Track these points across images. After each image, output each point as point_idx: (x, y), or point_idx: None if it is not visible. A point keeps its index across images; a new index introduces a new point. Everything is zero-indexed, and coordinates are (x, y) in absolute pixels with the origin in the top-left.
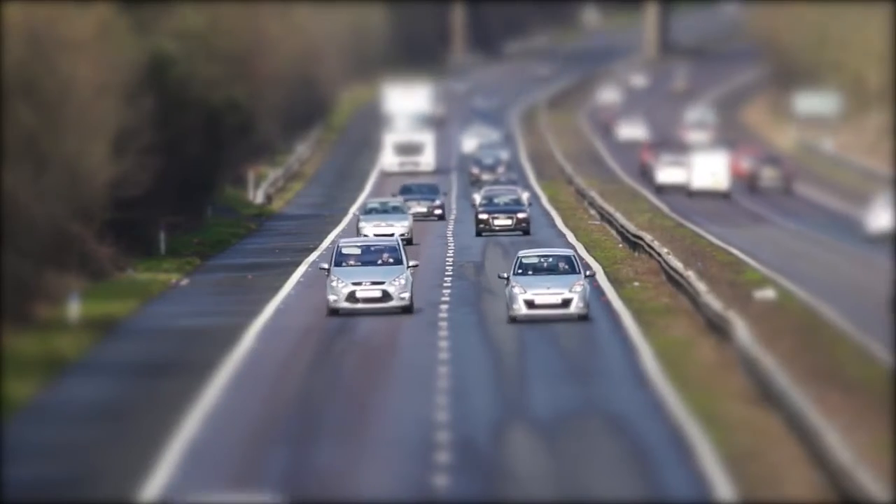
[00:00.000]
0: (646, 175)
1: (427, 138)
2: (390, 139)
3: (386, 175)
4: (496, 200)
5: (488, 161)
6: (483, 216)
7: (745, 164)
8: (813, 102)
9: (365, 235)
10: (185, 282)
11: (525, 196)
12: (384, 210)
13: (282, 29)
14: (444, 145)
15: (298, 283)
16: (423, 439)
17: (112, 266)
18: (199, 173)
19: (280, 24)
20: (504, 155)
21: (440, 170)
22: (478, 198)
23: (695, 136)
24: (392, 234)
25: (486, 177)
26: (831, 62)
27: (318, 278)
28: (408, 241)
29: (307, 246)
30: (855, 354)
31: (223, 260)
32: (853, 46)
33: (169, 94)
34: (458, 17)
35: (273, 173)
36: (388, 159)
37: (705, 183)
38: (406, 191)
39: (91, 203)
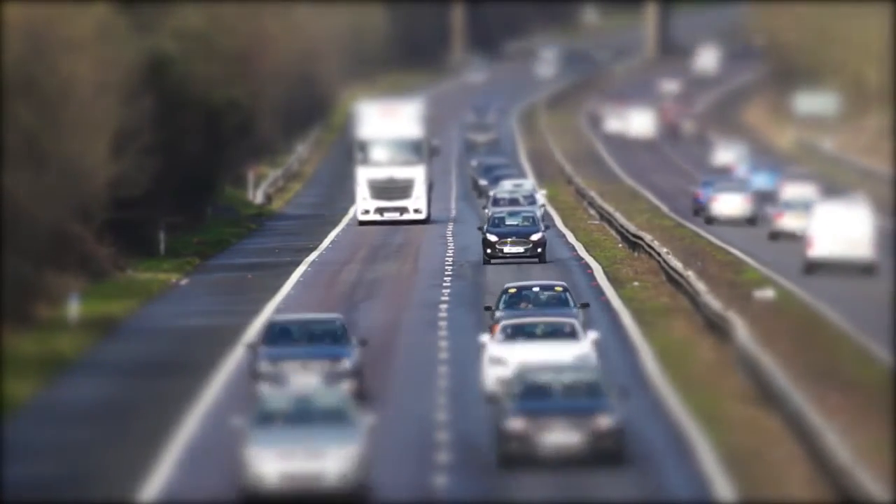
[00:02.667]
0: (699, 212)
1: (416, 174)
2: (364, 175)
3: (361, 225)
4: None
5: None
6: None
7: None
8: (813, 102)
9: None
10: (184, 282)
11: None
12: None
13: (282, 28)
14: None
15: (298, 282)
16: (423, 439)
17: (112, 266)
18: (199, 173)
19: (280, 24)
20: (528, 187)
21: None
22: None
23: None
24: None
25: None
26: (831, 62)
27: (318, 278)
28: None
29: (307, 246)
30: (855, 354)
31: (223, 260)
32: (853, 46)
33: (169, 94)
34: (458, 17)
35: (273, 173)
36: (363, 204)
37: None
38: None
39: (91, 203)
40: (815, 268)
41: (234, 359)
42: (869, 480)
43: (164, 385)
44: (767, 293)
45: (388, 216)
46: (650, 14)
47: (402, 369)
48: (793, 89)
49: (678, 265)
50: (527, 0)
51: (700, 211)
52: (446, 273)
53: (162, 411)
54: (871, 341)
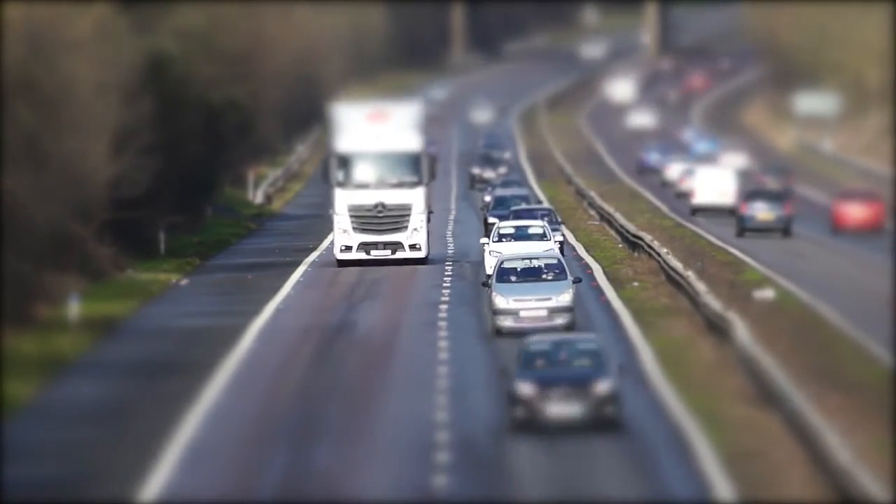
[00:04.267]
0: (642, 171)
1: (413, 199)
2: (345, 201)
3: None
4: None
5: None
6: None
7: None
8: (812, 102)
9: None
10: (185, 282)
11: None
12: None
13: (282, 29)
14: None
15: (298, 283)
16: (423, 439)
17: (112, 266)
18: (199, 173)
19: (280, 24)
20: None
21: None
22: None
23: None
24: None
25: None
26: (831, 62)
27: (318, 278)
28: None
29: (307, 246)
30: (855, 354)
31: (223, 260)
32: (853, 46)
33: (169, 94)
34: (458, 17)
35: (273, 173)
36: (343, 238)
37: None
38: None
39: (91, 203)
40: (697, 212)
41: (235, 359)
42: (869, 481)
43: (164, 385)
44: (767, 293)
45: (375, 255)
46: (650, 14)
47: (402, 369)
48: (793, 89)
49: (678, 265)
50: (527, 0)
51: (643, 170)
52: (446, 273)
53: (162, 411)
54: (871, 341)
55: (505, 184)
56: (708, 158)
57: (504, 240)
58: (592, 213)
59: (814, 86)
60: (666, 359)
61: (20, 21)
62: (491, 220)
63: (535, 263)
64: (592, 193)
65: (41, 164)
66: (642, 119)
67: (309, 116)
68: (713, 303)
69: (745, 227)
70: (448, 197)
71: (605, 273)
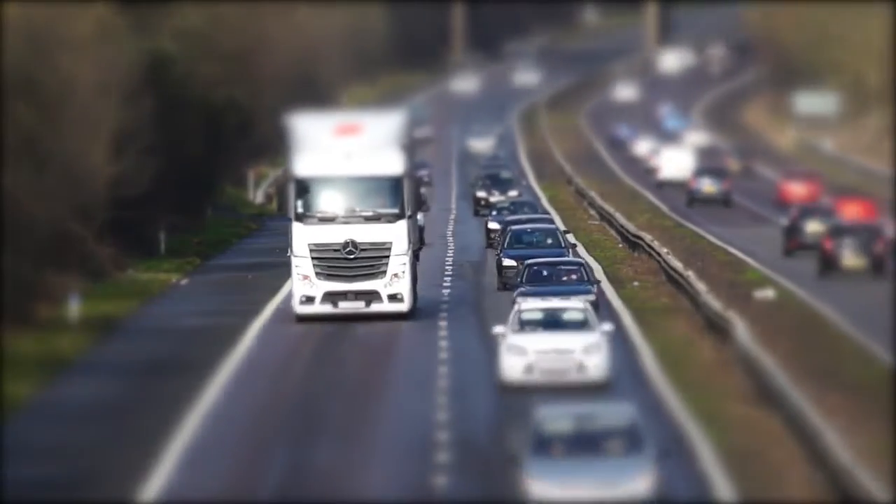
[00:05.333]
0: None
1: (393, 236)
2: (305, 238)
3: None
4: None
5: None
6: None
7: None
8: (812, 102)
9: None
10: (185, 282)
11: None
12: None
13: (282, 29)
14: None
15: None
16: (423, 439)
17: (112, 266)
18: (199, 173)
19: (280, 24)
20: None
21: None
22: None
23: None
24: None
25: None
26: (831, 62)
27: None
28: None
29: None
30: (855, 354)
31: (223, 260)
32: (853, 46)
33: (169, 94)
34: (458, 17)
35: (273, 173)
36: (304, 287)
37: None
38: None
39: (91, 203)
40: (662, 185)
41: (235, 359)
42: (869, 481)
43: (164, 385)
44: (767, 293)
45: (345, 308)
46: (650, 14)
47: (402, 369)
48: (793, 89)
49: (678, 265)
50: (527, 0)
51: (614, 144)
52: (446, 273)
53: (162, 411)
54: (872, 341)
55: (514, 205)
56: (674, 135)
57: (528, 328)
58: (592, 212)
59: (814, 86)
60: (666, 358)
61: (20, 21)
62: (506, 262)
63: (592, 423)
64: (593, 193)
65: (41, 164)
66: (627, 92)
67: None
68: (713, 302)
69: (693, 198)
70: (448, 197)
71: (606, 273)
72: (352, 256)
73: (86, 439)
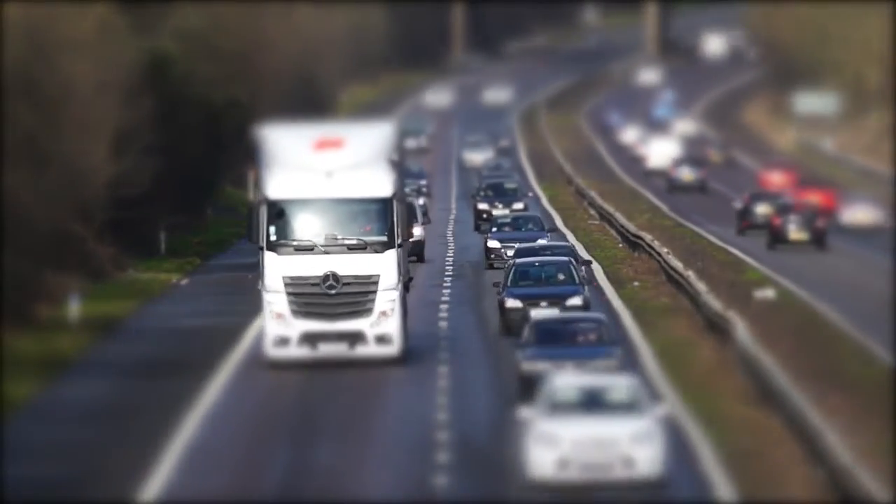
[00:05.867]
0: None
1: (381, 267)
2: (278, 270)
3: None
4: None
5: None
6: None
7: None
8: (812, 102)
9: None
10: (185, 282)
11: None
12: None
13: (282, 29)
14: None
15: None
16: (424, 439)
17: (112, 266)
18: (199, 173)
19: (280, 24)
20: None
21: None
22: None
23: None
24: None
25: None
26: (831, 62)
27: None
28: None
29: None
30: (855, 354)
31: (223, 260)
32: (853, 46)
33: (169, 94)
34: (458, 17)
35: None
36: (277, 327)
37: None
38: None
39: (91, 203)
40: (650, 175)
41: (235, 359)
42: (869, 481)
43: (164, 385)
44: (768, 293)
45: (325, 350)
46: (650, 13)
47: (401, 369)
48: (793, 89)
49: (678, 265)
50: (527, 0)
51: (604, 129)
52: (446, 273)
53: (162, 411)
54: (872, 341)
55: (517, 220)
56: (661, 124)
57: (561, 411)
58: (593, 212)
59: (814, 86)
60: (666, 358)
61: (20, 21)
62: (510, 303)
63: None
64: (593, 193)
65: (41, 164)
66: (649, 76)
67: (309, 117)
68: (713, 302)
69: (673, 186)
70: (448, 197)
71: (606, 273)
72: (333, 291)
73: (86, 439)
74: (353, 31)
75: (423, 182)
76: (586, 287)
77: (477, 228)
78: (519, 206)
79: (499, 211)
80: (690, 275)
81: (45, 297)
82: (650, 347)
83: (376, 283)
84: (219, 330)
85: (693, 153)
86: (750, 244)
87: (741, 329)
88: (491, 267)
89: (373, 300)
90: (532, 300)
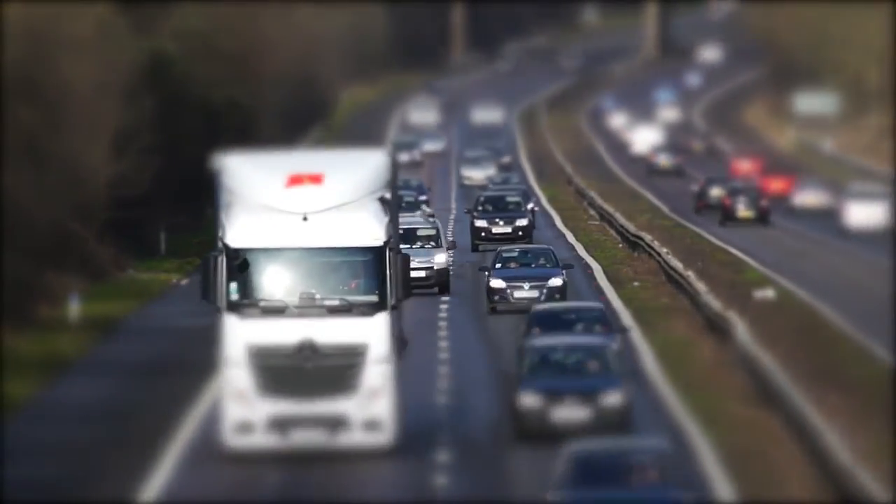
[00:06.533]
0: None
1: (369, 335)
2: (241, 337)
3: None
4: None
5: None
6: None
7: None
8: (812, 102)
9: None
10: (185, 282)
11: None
12: None
13: (282, 29)
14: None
15: None
16: (423, 439)
17: (112, 266)
18: (199, 173)
19: (280, 24)
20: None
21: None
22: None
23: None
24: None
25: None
26: (831, 62)
27: None
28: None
29: None
30: (855, 354)
31: None
32: (853, 46)
33: (169, 94)
34: (458, 17)
35: None
36: (239, 407)
37: None
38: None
39: (91, 203)
40: (634, 161)
41: None
42: (869, 481)
43: (164, 385)
44: (767, 293)
45: (299, 439)
46: (650, 14)
47: (401, 369)
48: (793, 89)
49: (678, 265)
50: (527, 0)
51: (599, 114)
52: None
53: (162, 411)
54: (872, 341)
55: (525, 254)
56: (666, 106)
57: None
58: (592, 212)
59: (813, 86)
60: (666, 359)
61: (20, 21)
62: (525, 399)
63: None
64: (593, 193)
65: (41, 164)
66: (711, 53)
67: (309, 117)
68: (713, 303)
69: (652, 170)
70: (448, 196)
71: (606, 273)
72: (309, 365)
73: (86, 439)
74: (353, 31)
75: (424, 197)
76: (624, 376)
77: (475, 249)
78: (522, 222)
79: (499, 228)
80: (690, 275)
81: (45, 297)
82: (650, 348)
83: (364, 354)
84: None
85: (675, 141)
86: (705, 221)
87: (741, 329)
88: (493, 311)
89: (359, 376)
90: (556, 396)
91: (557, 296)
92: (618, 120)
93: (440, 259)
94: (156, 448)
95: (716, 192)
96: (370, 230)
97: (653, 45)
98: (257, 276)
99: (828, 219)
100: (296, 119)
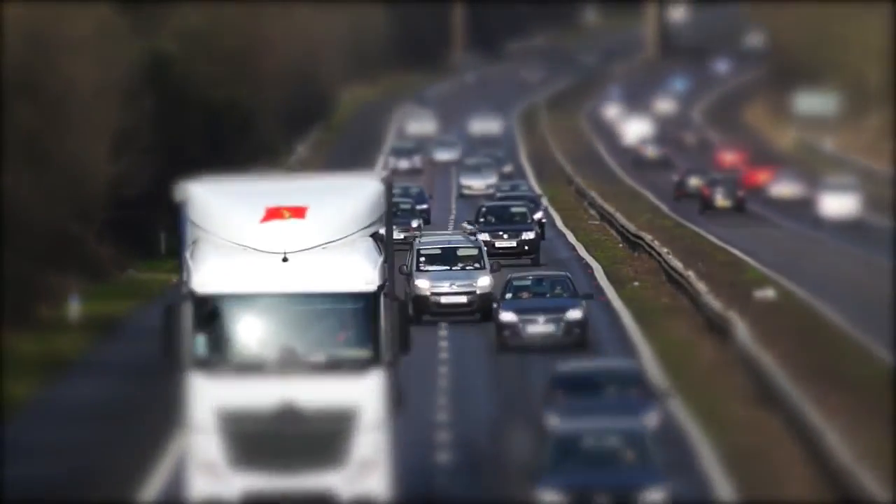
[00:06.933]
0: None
1: (360, 399)
2: (211, 398)
3: None
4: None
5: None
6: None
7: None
8: (813, 102)
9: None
10: None
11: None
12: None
13: (282, 29)
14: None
15: None
16: (423, 439)
17: (112, 266)
18: (199, 173)
19: (280, 24)
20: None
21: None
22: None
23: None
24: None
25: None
26: (831, 62)
27: None
28: None
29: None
30: (855, 354)
31: None
32: (853, 46)
33: (169, 94)
34: (458, 17)
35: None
36: (206, 481)
37: None
38: None
39: (91, 203)
40: (626, 152)
41: None
42: (869, 481)
43: (164, 385)
44: (768, 293)
45: None
46: (650, 14)
47: (401, 369)
48: (793, 89)
49: (678, 265)
50: (527, 0)
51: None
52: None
53: (162, 411)
54: (872, 341)
55: (538, 283)
56: (683, 95)
57: None
58: (593, 212)
59: (814, 86)
60: (666, 359)
61: (20, 21)
62: (547, 497)
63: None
64: (593, 193)
65: (41, 164)
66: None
67: (309, 116)
68: (714, 303)
69: (639, 161)
70: (448, 196)
71: (606, 273)
72: (288, 434)
73: (86, 439)
74: (353, 31)
75: (425, 206)
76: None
77: None
78: (529, 235)
79: (503, 242)
80: (690, 275)
81: (46, 298)
82: (650, 348)
83: (354, 419)
84: None
85: (666, 133)
86: (685, 210)
87: (741, 329)
88: (504, 347)
89: (349, 445)
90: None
91: (577, 330)
92: (611, 111)
93: (483, 282)
94: (156, 448)
95: (695, 181)
96: (362, 273)
97: (653, 45)
98: (229, 328)
99: (803, 208)
100: (296, 119)
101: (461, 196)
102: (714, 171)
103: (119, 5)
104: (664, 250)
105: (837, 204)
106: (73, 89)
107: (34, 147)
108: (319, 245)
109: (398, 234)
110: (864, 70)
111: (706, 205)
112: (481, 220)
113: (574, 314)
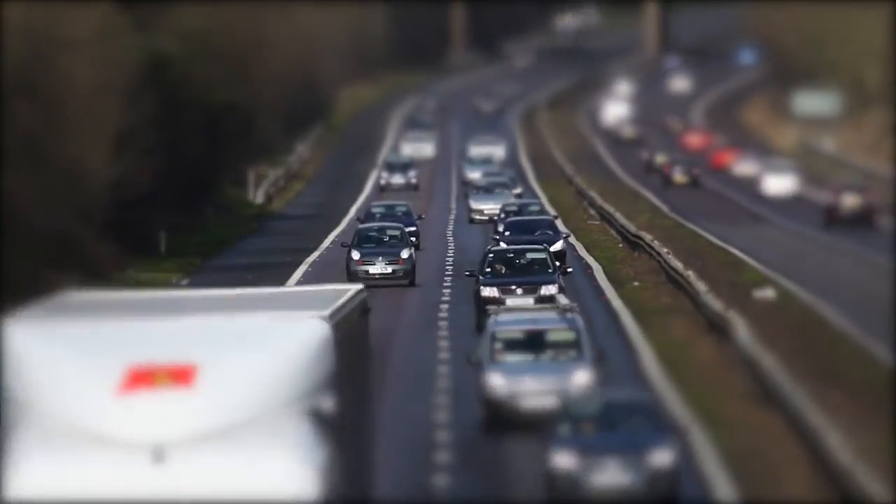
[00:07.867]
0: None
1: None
2: None
3: None
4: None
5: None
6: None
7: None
8: (813, 102)
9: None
10: (185, 281)
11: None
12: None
13: (282, 29)
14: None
15: (298, 283)
16: (423, 439)
17: (112, 266)
18: (199, 173)
19: (280, 24)
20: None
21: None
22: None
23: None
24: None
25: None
26: (831, 62)
27: (317, 279)
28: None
29: (307, 246)
30: (855, 354)
31: (224, 260)
32: (853, 46)
33: (169, 94)
34: (458, 17)
35: (273, 173)
36: None
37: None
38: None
39: (91, 203)
40: (608, 134)
41: None
42: (870, 481)
43: None
44: (768, 293)
45: None
46: (650, 14)
47: (402, 369)
48: (793, 89)
49: (678, 265)
50: (527, 0)
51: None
52: (446, 273)
53: None
54: (872, 341)
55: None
56: (679, 76)
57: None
58: (593, 212)
59: (814, 85)
60: (666, 358)
61: (20, 21)
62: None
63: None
64: (593, 193)
65: (41, 164)
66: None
67: (309, 116)
68: (714, 302)
69: (617, 141)
70: (448, 197)
71: (606, 273)
72: None
73: None
74: (353, 31)
75: (413, 229)
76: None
77: (479, 326)
78: (551, 290)
79: (517, 300)
80: (690, 275)
81: (45, 297)
82: (650, 348)
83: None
84: None
85: (645, 116)
86: (650, 184)
87: (741, 329)
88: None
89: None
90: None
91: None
92: (615, 110)
93: (580, 380)
94: None
95: (660, 159)
96: (286, 483)
97: (653, 45)
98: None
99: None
100: (296, 119)
101: (470, 217)
102: (678, 153)
103: (119, 5)
104: (664, 250)
105: (778, 182)
106: (73, 89)
107: (34, 147)
108: (216, 433)
109: (385, 268)
110: (863, 70)
111: (667, 181)
112: (488, 270)
113: (661, 457)
